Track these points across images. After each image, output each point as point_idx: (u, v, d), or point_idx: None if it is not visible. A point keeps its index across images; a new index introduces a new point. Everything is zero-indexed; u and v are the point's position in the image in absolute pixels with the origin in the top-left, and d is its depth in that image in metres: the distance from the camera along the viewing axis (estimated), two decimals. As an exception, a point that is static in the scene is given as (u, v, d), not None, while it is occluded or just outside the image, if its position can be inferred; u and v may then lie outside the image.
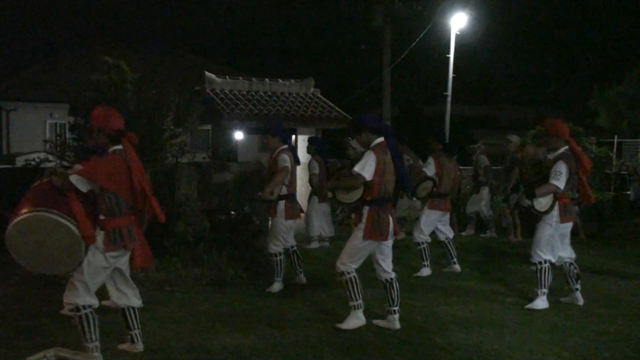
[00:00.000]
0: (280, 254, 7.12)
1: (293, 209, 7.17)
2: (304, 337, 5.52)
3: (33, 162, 9.49)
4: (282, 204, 7.02)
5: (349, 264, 5.71)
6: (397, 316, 5.81)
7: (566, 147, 6.44)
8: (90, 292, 4.61)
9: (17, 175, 10.86)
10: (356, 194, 5.71)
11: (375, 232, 5.61)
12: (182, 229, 7.98)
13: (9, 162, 17.60)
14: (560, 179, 6.26)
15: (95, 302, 4.66)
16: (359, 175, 5.53)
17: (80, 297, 4.56)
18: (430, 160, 8.18)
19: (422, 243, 8.14)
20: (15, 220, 4.37)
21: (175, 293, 6.92)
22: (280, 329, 5.72)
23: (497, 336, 5.64)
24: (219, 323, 5.89)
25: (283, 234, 7.13)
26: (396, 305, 5.81)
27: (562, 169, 6.28)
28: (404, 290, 7.23)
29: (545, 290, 6.58)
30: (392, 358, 5.06)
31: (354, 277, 5.72)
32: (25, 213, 4.37)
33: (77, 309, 4.57)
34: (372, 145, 5.68)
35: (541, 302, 6.58)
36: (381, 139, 5.71)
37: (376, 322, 5.87)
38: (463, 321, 6.08)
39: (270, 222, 7.24)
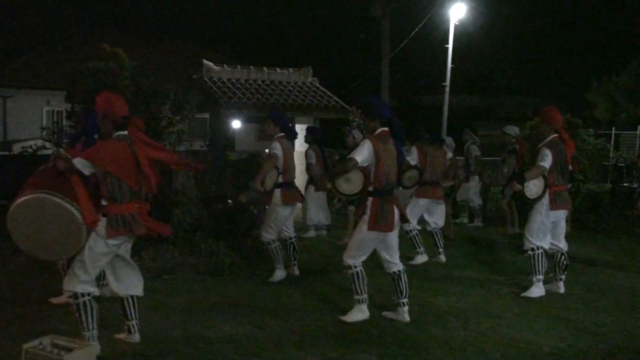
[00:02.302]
0: (274, 241, 7.06)
1: (290, 195, 7.04)
2: (301, 326, 5.52)
3: (30, 149, 9.47)
4: (277, 192, 6.95)
5: (356, 257, 5.65)
6: (406, 308, 5.76)
7: (555, 135, 6.51)
8: (91, 280, 4.59)
9: (14, 162, 10.84)
10: (357, 186, 5.63)
11: (380, 223, 5.52)
12: (179, 217, 7.96)
13: (6, 148, 17.57)
14: (545, 160, 6.37)
15: (95, 290, 4.64)
16: (351, 159, 5.44)
17: (80, 284, 4.53)
18: (413, 149, 8.18)
19: (412, 230, 8.13)
20: (17, 202, 4.40)
21: (172, 281, 6.91)
22: (277, 318, 5.72)
23: (494, 327, 5.64)
24: (216, 311, 5.88)
25: (277, 222, 7.05)
26: (405, 297, 5.74)
27: (546, 152, 6.41)
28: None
29: (541, 277, 6.64)
30: (388, 348, 5.06)
31: (360, 271, 5.66)
32: (27, 194, 4.39)
33: (76, 296, 4.54)
34: (377, 133, 5.60)
35: (537, 290, 6.64)
36: (386, 129, 5.64)
37: (386, 313, 5.84)
38: (460, 312, 6.09)
39: (266, 210, 7.19)
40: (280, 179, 6.95)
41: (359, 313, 5.70)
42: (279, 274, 7.12)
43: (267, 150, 7.17)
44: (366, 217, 5.55)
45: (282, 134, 7.01)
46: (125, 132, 4.66)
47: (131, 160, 4.59)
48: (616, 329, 5.69)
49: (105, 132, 4.71)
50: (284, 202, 6.97)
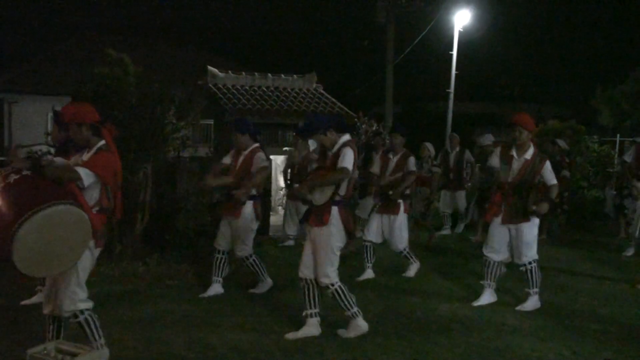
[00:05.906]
0: (251, 255, 6.78)
1: (259, 210, 6.73)
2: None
3: (35, 155, 9.48)
4: (249, 205, 6.59)
5: (332, 274, 5.37)
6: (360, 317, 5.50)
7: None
8: (86, 294, 4.46)
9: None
10: (327, 197, 5.31)
11: (348, 232, 5.38)
12: (183, 223, 7.98)
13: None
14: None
15: (91, 303, 4.49)
16: (345, 169, 5.19)
17: (80, 301, 4.39)
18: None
19: (405, 249, 7.91)
20: (39, 214, 3.81)
21: (175, 287, 6.91)
22: (281, 325, 5.72)
23: (498, 335, 5.63)
24: (219, 318, 5.88)
25: (251, 236, 6.72)
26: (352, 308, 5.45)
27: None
28: (405, 290, 7.23)
29: (537, 290, 6.57)
30: (392, 355, 5.05)
31: (340, 285, 5.40)
32: (49, 205, 3.86)
33: (75, 315, 4.40)
34: (344, 141, 5.37)
35: (533, 302, 6.53)
36: (348, 136, 5.44)
37: (341, 332, 5.50)
38: (464, 320, 6.07)
39: (230, 224, 6.68)
40: (254, 192, 6.64)
41: (357, 328, 5.47)
42: (263, 286, 6.94)
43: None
44: (334, 229, 5.30)
45: (257, 144, 6.64)
46: (104, 141, 4.51)
47: (116, 171, 4.53)
48: (620, 337, 5.66)
49: (82, 139, 4.53)
50: (256, 217, 6.69)
